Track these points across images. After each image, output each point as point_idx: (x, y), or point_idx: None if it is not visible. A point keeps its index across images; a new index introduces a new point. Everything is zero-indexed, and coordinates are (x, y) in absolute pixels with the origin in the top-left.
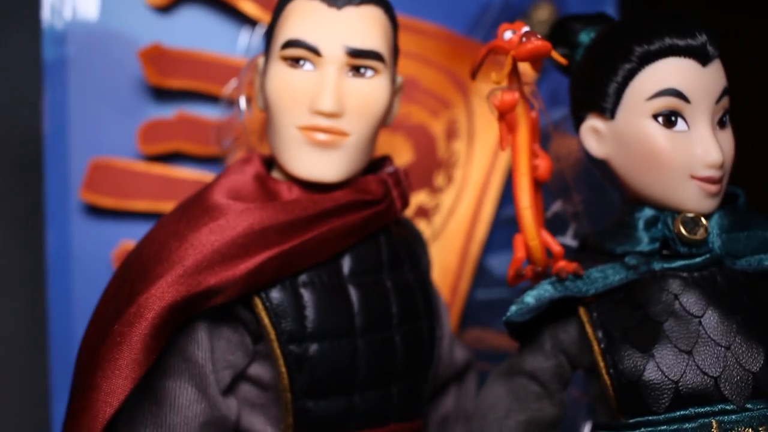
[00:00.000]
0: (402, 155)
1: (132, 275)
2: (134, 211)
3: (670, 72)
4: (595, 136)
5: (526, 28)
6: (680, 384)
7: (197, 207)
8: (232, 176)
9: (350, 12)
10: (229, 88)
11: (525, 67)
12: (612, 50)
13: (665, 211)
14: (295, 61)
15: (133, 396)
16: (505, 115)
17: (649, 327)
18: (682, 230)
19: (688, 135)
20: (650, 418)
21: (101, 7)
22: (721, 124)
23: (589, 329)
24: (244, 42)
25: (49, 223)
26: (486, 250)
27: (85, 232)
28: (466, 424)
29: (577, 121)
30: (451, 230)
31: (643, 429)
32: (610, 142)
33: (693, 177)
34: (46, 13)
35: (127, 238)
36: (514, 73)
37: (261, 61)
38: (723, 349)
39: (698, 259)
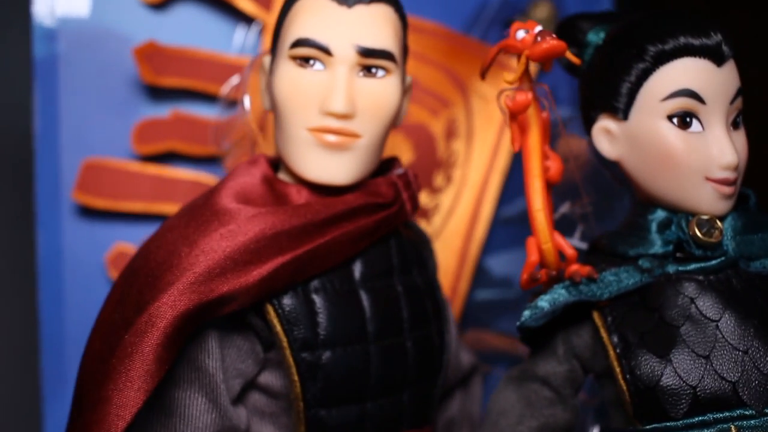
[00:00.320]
0: (402, 155)
1: (139, 282)
2: (128, 213)
3: (685, 72)
4: (608, 137)
5: (539, 27)
6: (698, 389)
7: (206, 211)
8: (240, 179)
9: (361, 10)
10: (227, 87)
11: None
12: (625, 50)
13: (678, 213)
14: (304, 61)
15: (142, 407)
16: (517, 116)
17: (665, 331)
18: (698, 233)
19: (703, 136)
20: (668, 424)
21: (93, 4)
22: (735, 124)
23: (603, 333)
24: (240, 40)
25: (40, 225)
26: (484, 250)
27: (78, 234)
28: (471, 428)
29: (588, 121)
30: (450, 230)
31: None
32: (622, 143)
33: (708, 179)
34: (36, 10)
35: (121, 240)
36: (526, 73)
37: (267, 60)
38: (740, 353)
39: (713, 262)
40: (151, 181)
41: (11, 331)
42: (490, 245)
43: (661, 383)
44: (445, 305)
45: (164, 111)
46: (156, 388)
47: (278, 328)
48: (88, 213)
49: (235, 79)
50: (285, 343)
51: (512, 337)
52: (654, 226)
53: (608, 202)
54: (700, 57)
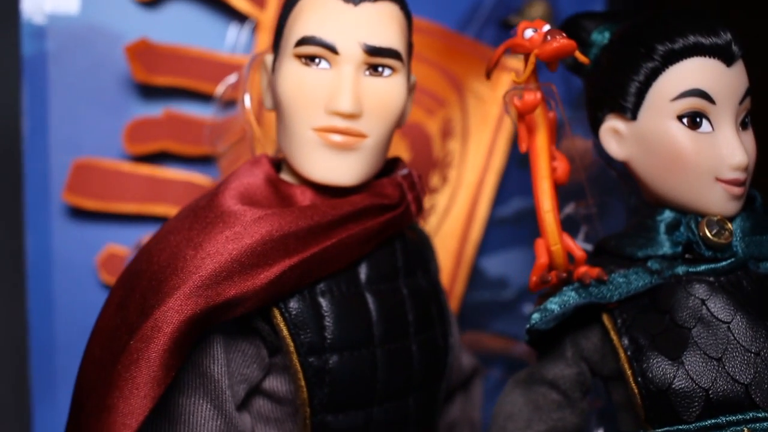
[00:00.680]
0: (398, 155)
1: (142, 285)
2: (120, 214)
3: (695, 72)
4: (616, 137)
5: (547, 26)
6: (711, 392)
7: (209, 213)
8: (243, 179)
9: (367, 8)
10: (223, 87)
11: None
12: (634, 49)
13: (687, 214)
14: (309, 59)
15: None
16: (525, 117)
17: (677, 333)
18: (708, 234)
19: (712, 137)
20: (680, 427)
21: (83, 1)
22: (743, 125)
23: (614, 336)
24: (233, 38)
25: (29, 227)
26: (480, 251)
27: (68, 235)
28: (472, 431)
29: (595, 121)
30: (445, 231)
31: None
32: (631, 144)
33: (718, 179)
34: (25, 6)
35: (113, 242)
36: (534, 73)
37: (268, 58)
38: (753, 355)
39: (723, 263)
40: (143, 182)
41: (0, 334)
42: (485, 246)
43: (674, 386)
44: (448, 307)
45: (156, 110)
46: None
47: (285, 332)
48: (78, 214)
49: (230, 78)
50: (292, 348)
51: (509, 338)
52: (662, 227)
53: (612, 203)
54: (710, 57)
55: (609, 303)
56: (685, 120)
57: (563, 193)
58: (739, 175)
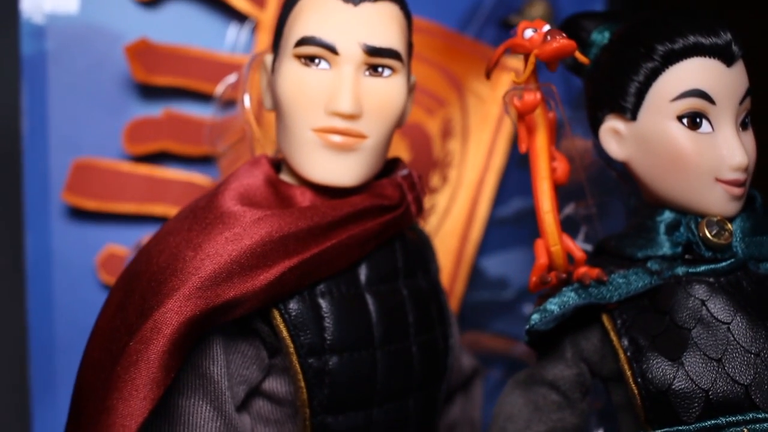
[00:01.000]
0: (398, 155)
1: (142, 286)
2: (119, 214)
3: (695, 72)
4: (616, 137)
5: (547, 26)
6: (711, 393)
7: (209, 213)
8: (243, 180)
9: (367, 8)
10: (222, 87)
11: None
12: (633, 49)
13: (687, 215)
14: (309, 60)
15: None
16: (524, 117)
17: (676, 334)
18: (708, 234)
19: (712, 137)
20: (680, 428)
21: (83, 0)
22: (743, 125)
23: (613, 337)
24: (233, 37)
25: (29, 227)
26: (479, 250)
27: (67, 236)
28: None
29: (595, 121)
30: (445, 231)
31: None
32: (631, 144)
33: (718, 180)
34: (24, 6)
35: (112, 242)
36: (534, 73)
37: (268, 58)
38: (753, 356)
39: (723, 264)
40: (143, 182)
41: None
42: (485, 246)
43: (674, 387)
44: (449, 308)
45: (156, 110)
46: None
47: (285, 333)
48: (78, 214)
49: (230, 78)
50: (291, 349)
51: (509, 338)
52: (662, 228)
53: (611, 203)
54: (710, 57)
55: (609, 304)
56: (685, 120)
57: (563, 193)
58: (739, 176)
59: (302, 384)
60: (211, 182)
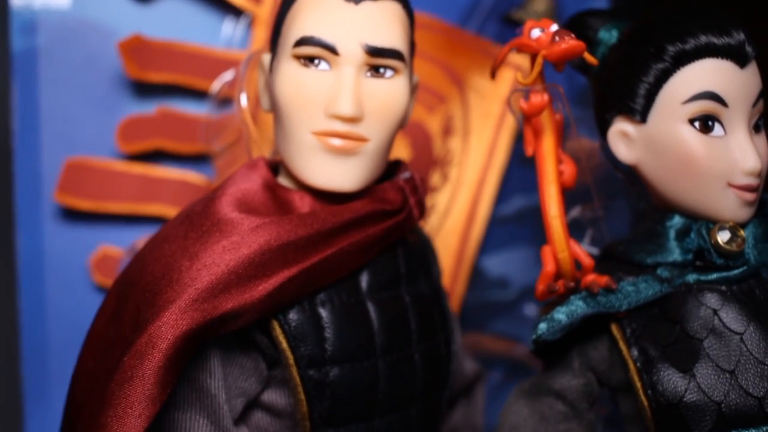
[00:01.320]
0: (398, 154)
1: (136, 296)
2: (113, 214)
3: (707, 74)
4: (625, 140)
5: (555, 26)
6: (723, 405)
7: (205, 221)
8: (240, 185)
9: (369, 7)
10: (218, 84)
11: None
12: (643, 49)
13: (698, 221)
14: (309, 60)
15: None
16: (531, 119)
17: (688, 345)
18: (720, 241)
19: (725, 141)
20: None
21: None
22: (756, 128)
23: (623, 347)
24: (228, 33)
25: (21, 227)
26: (481, 250)
27: (60, 236)
28: None
29: (602, 123)
30: (446, 230)
31: None
32: (640, 147)
33: (730, 185)
34: (14, 0)
35: (106, 242)
36: (541, 74)
37: (266, 57)
38: (766, 367)
39: (735, 272)
40: (137, 181)
41: None
42: (486, 245)
43: (685, 399)
44: (451, 313)
45: (150, 107)
46: None
47: (284, 344)
48: (70, 214)
49: (226, 75)
50: (291, 361)
51: (509, 339)
52: (672, 234)
53: (618, 206)
54: (722, 58)
55: (618, 312)
56: (696, 123)
57: (569, 195)
58: (752, 181)
59: (302, 396)
60: (207, 181)
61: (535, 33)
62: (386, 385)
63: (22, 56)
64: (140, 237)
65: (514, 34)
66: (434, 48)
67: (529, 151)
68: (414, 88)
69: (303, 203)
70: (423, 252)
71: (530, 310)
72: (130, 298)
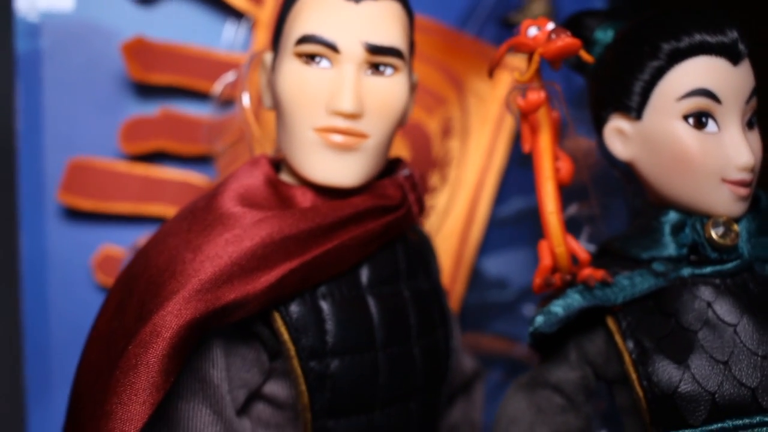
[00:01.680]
0: (397, 154)
1: (140, 289)
2: (115, 214)
3: (701, 71)
4: (620, 137)
5: (551, 25)
6: (717, 396)
7: (208, 215)
8: (242, 181)
9: (369, 6)
10: (220, 85)
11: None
12: (638, 47)
13: (693, 216)
14: (310, 58)
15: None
16: (528, 116)
17: (682, 336)
18: (714, 235)
19: (718, 137)
20: (686, 431)
21: None
22: (749, 124)
23: (618, 339)
24: (230, 35)
25: (24, 227)
26: (480, 251)
27: (63, 236)
28: None
29: (599, 121)
30: (445, 231)
31: None
32: (636, 144)
33: (724, 180)
34: (19, 4)
35: (108, 242)
36: (538, 72)
37: (268, 56)
38: (759, 358)
39: (729, 265)
40: (139, 182)
41: None
42: (485, 246)
43: (680, 390)
44: (450, 310)
45: (152, 109)
46: None
47: (285, 336)
48: (73, 214)
49: (228, 77)
50: (293, 352)
51: (508, 339)
52: (667, 229)
53: (615, 203)
54: (716, 55)
55: (614, 305)
56: (690, 120)
57: (566, 193)
58: (746, 176)
59: (303, 388)
60: (209, 182)
61: (532, 31)
62: (386, 378)
63: (26, 58)
64: (142, 236)
65: (512, 35)
66: (433, 50)
67: (526, 147)
68: (413, 87)
69: (304, 198)
70: (422, 250)
71: (529, 310)
72: (134, 291)
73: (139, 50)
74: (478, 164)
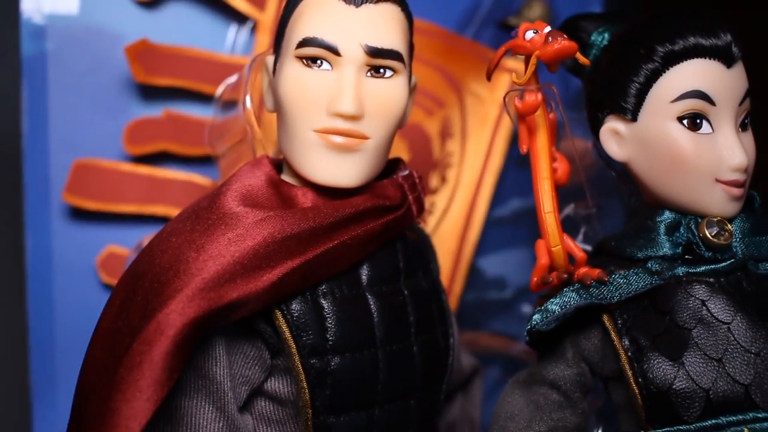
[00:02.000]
0: (397, 156)
1: (144, 288)
2: (120, 215)
3: (695, 74)
4: (616, 138)
5: (548, 28)
6: (711, 392)
7: (211, 214)
8: (245, 181)
9: (369, 9)
10: (223, 87)
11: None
12: (633, 50)
13: (687, 215)
14: (311, 61)
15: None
16: (525, 118)
17: (677, 334)
18: (708, 234)
19: (712, 138)
20: (681, 427)
21: (82, 1)
22: (743, 126)
23: (614, 337)
24: (233, 38)
25: (29, 227)
26: (478, 251)
27: (68, 236)
28: (472, 431)
29: (595, 122)
30: (444, 231)
31: None
32: (631, 145)
33: (718, 181)
34: (24, 6)
35: (113, 242)
36: (535, 74)
37: (269, 59)
38: (753, 356)
39: (723, 264)
40: (143, 183)
41: (0, 335)
42: (483, 246)
43: (674, 387)
44: (449, 308)
45: (156, 111)
46: None
47: (287, 334)
48: (78, 215)
49: (231, 79)
50: (294, 350)
51: (506, 337)
52: (662, 228)
53: (611, 203)
54: (710, 58)
55: (610, 304)
56: (685, 121)
57: (563, 193)
58: (739, 177)
59: (304, 385)
60: (212, 183)
61: (529, 34)
62: (386, 375)
63: (32, 61)
64: (146, 236)
65: (510, 38)
66: (433, 53)
67: (523, 148)
68: (413, 89)
69: (305, 198)
70: (422, 249)
71: (526, 309)
72: (138, 290)
73: (142, 53)
74: (477, 165)
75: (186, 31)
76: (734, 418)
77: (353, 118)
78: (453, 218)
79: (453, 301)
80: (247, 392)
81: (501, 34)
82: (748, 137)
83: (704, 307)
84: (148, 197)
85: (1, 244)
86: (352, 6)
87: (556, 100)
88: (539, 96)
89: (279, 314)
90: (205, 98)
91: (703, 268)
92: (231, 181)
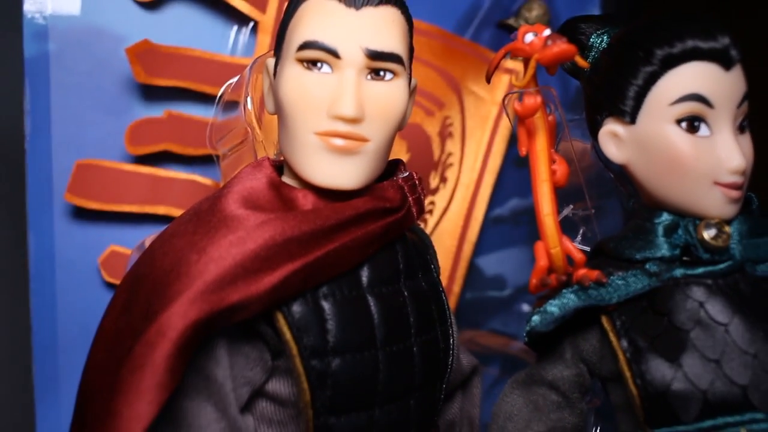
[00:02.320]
0: (398, 156)
1: (146, 290)
2: (122, 215)
3: (693, 76)
4: (615, 140)
5: (548, 31)
6: (709, 394)
7: (212, 217)
8: (246, 183)
9: (369, 12)
10: (225, 89)
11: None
12: (632, 53)
13: (685, 217)
14: (311, 64)
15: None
16: (524, 120)
17: (675, 336)
18: (706, 236)
19: (710, 140)
20: (678, 428)
21: (84, 2)
22: (741, 128)
23: (612, 338)
24: (233, 40)
25: (32, 227)
26: (477, 250)
27: (70, 236)
28: (471, 430)
29: (594, 124)
30: (443, 231)
31: None
32: (630, 147)
33: (716, 183)
34: (27, 7)
35: (115, 242)
36: (534, 77)
37: (270, 62)
38: (750, 357)
39: (721, 266)
40: (145, 183)
41: (3, 335)
42: (482, 245)
43: (672, 388)
44: (449, 308)
45: (158, 111)
46: None
47: (288, 335)
48: (80, 215)
49: (232, 80)
50: (295, 351)
51: (505, 336)
52: (661, 230)
53: (609, 205)
54: (708, 61)
55: (608, 305)
56: (683, 124)
57: (561, 195)
58: (737, 179)
59: (305, 386)
60: (213, 183)
61: (529, 37)
62: (386, 375)
63: (34, 62)
64: (148, 236)
65: (509, 40)
66: (433, 54)
67: (522, 151)
68: (413, 91)
69: (306, 201)
70: (422, 250)
71: (525, 307)
72: (140, 292)
73: (144, 54)
74: (476, 165)
75: (187, 31)
76: (732, 419)
77: (354, 120)
78: (452, 218)
79: (452, 300)
80: (249, 393)
81: (500, 35)
82: (747, 140)
83: (702, 309)
84: (149, 197)
85: (4, 244)
86: (353, 9)
87: (555, 102)
88: (538, 99)
89: (280, 316)
90: (206, 99)
91: (701, 270)
92: (232, 184)
